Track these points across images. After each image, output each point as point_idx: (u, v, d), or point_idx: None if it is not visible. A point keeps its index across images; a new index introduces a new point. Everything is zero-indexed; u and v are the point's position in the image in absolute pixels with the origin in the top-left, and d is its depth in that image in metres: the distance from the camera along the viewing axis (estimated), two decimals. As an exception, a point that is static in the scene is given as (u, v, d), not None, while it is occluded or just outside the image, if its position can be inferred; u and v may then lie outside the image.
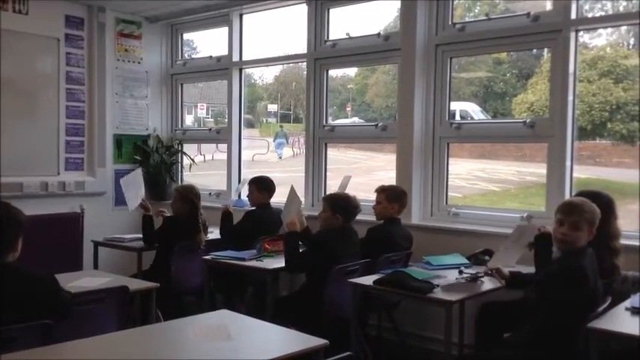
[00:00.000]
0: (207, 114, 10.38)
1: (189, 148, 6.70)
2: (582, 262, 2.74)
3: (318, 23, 5.38)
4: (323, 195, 5.08)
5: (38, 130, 5.65)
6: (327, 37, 5.37)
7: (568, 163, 4.10)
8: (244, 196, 5.35)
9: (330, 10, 5.37)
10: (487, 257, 3.87)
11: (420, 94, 4.66)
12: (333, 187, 5.13)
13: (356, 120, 7.58)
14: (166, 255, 4.50)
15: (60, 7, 5.73)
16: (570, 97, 4.09)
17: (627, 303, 2.86)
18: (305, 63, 5.51)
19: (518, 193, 5.75)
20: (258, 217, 4.81)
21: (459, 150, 5.06)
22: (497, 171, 6.10)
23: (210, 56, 6.35)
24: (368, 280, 3.49)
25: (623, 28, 4.49)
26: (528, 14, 4.23)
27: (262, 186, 4.90)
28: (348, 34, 5.22)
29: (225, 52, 6.17)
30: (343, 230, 3.97)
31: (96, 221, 5.83)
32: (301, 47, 5.56)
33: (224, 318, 2.71)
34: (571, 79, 4.09)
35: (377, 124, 5.08)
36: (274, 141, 10.87)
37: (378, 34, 5.03)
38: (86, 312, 2.91)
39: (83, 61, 5.94)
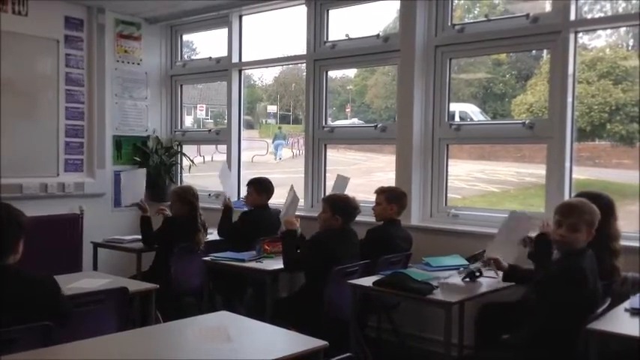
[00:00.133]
0: (207, 115, 10.37)
1: (188, 150, 6.70)
2: (582, 263, 2.74)
3: (317, 24, 5.38)
4: (322, 196, 5.09)
5: (38, 132, 5.64)
6: (327, 39, 5.37)
7: (567, 164, 4.11)
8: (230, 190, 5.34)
9: (330, 12, 5.38)
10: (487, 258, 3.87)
11: (419, 95, 4.67)
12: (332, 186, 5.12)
13: (355, 121, 7.58)
14: (166, 256, 4.50)
15: (59, 8, 5.73)
16: (569, 99, 4.10)
17: (627, 304, 2.86)
18: (304, 64, 5.51)
19: (518, 194, 5.75)
20: (254, 219, 4.81)
21: (459, 151, 5.06)
22: (497, 172, 6.10)
23: (210, 57, 6.35)
24: (367, 281, 3.50)
25: (623, 30, 4.50)
26: (527, 15, 4.23)
27: (261, 188, 4.90)
28: (347, 35, 5.23)
29: (224, 53, 6.18)
30: (343, 231, 3.97)
31: (95, 222, 5.83)
32: (301, 48, 5.56)
33: (224, 319, 2.71)
34: (570, 80, 4.09)
35: (376, 126, 5.08)
36: (273, 142, 10.87)
37: (378, 36, 5.03)
38: (86, 313, 2.91)
39: (83, 63, 5.94)
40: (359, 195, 4.37)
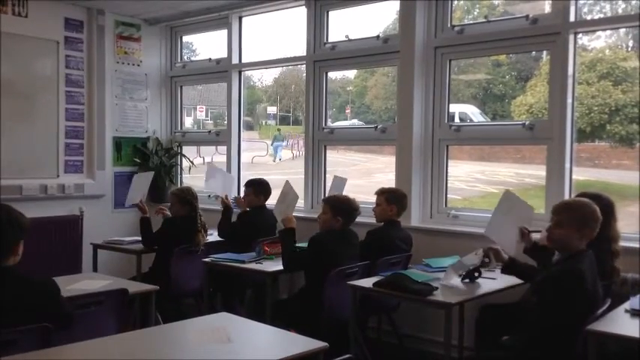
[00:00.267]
0: (207, 116, 10.37)
1: (188, 151, 6.70)
2: (580, 265, 2.74)
3: (317, 26, 5.38)
4: (322, 197, 5.09)
5: (38, 133, 5.65)
6: (327, 40, 5.38)
7: (567, 165, 4.11)
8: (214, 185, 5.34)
9: (330, 13, 5.38)
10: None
11: (419, 96, 4.67)
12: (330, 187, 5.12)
13: (355, 122, 7.58)
14: (166, 257, 4.51)
15: (59, 9, 5.74)
16: (569, 100, 4.10)
17: (627, 305, 2.86)
18: (304, 65, 5.51)
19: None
20: (253, 219, 4.82)
21: (459, 152, 5.06)
22: (497, 173, 6.10)
23: (210, 59, 6.36)
24: (367, 282, 3.49)
25: (622, 30, 4.50)
26: (527, 17, 4.24)
27: (260, 189, 4.92)
28: (347, 36, 5.23)
29: (224, 54, 6.18)
30: (343, 232, 3.97)
31: (95, 224, 5.83)
32: (300, 49, 5.57)
33: (224, 321, 2.71)
34: (570, 81, 4.09)
35: (376, 127, 5.08)
36: (272, 144, 10.87)
37: (378, 37, 5.03)
38: (85, 315, 2.91)
39: (83, 64, 5.94)
40: (359, 196, 4.37)
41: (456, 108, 5.11)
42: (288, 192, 4.16)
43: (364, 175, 7.94)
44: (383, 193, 4.25)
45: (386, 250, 4.00)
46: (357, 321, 3.55)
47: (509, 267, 3.27)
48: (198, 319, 2.83)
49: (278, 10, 5.74)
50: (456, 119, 5.04)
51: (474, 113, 5.57)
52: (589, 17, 4.22)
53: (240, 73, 6.17)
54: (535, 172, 4.58)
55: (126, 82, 6.29)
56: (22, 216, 2.51)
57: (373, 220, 4.31)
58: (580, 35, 4.15)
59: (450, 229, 4.48)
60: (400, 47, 4.73)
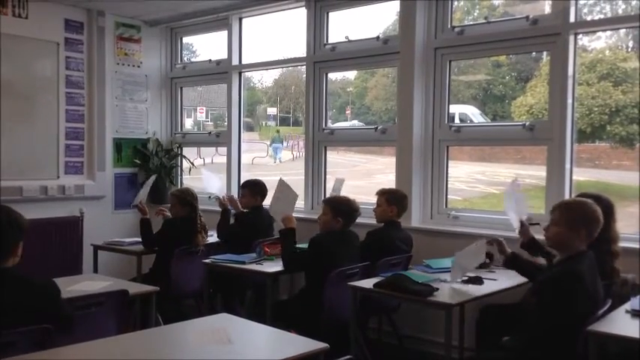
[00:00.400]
0: (207, 117, 10.39)
1: (188, 152, 6.70)
2: (580, 266, 2.73)
3: (317, 27, 5.38)
4: (322, 198, 5.09)
5: (38, 134, 5.65)
6: (327, 41, 5.38)
7: (567, 166, 4.11)
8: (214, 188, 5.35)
9: (330, 14, 5.38)
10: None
11: (419, 97, 4.67)
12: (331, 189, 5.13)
13: (355, 123, 7.59)
14: (166, 258, 4.51)
15: (59, 11, 5.74)
16: (569, 100, 4.10)
17: (627, 306, 2.86)
18: (304, 66, 5.51)
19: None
20: (251, 220, 4.83)
21: (459, 153, 5.06)
22: (497, 174, 6.10)
23: (210, 60, 6.36)
24: (368, 283, 3.49)
25: (622, 31, 4.50)
26: (527, 17, 4.24)
27: (256, 189, 4.92)
28: (347, 37, 5.23)
29: (224, 55, 6.18)
30: (343, 233, 3.97)
31: (95, 225, 5.83)
32: (300, 51, 5.57)
33: (224, 322, 2.71)
34: (570, 81, 4.09)
35: (376, 127, 5.08)
36: (270, 146, 10.89)
37: (378, 38, 5.03)
38: (86, 316, 2.91)
39: (83, 65, 5.94)
40: (359, 197, 4.36)
41: (456, 109, 5.11)
42: (284, 190, 4.13)
43: (364, 176, 7.95)
44: (383, 194, 4.25)
45: (386, 250, 3.99)
46: (357, 322, 3.55)
47: (512, 261, 3.26)
48: (199, 320, 2.83)
49: (278, 11, 5.75)
50: (456, 120, 5.05)
51: (474, 114, 5.58)
52: (589, 18, 4.22)
53: (240, 74, 6.17)
54: (535, 173, 4.58)
55: (126, 83, 6.29)
56: (21, 217, 2.50)
57: (373, 221, 4.30)
58: (580, 36, 4.15)
59: (450, 229, 4.48)
60: (400, 48, 4.73)
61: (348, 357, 2.08)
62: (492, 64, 5.33)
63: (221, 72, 6.22)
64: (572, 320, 2.63)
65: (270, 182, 5.05)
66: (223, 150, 6.29)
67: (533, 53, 4.95)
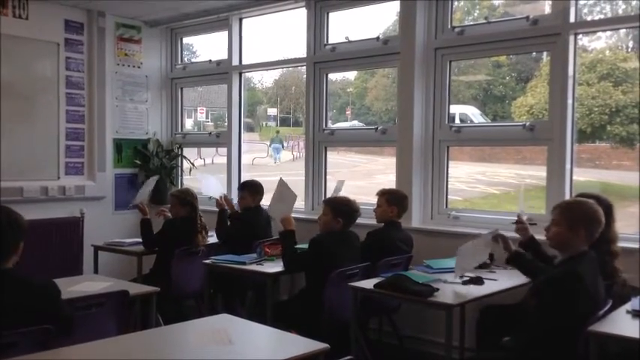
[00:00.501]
0: (207, 118, 10.39)
1: (189, 152, 6.70)
2: (580, 266, 2.73)
3: (317, 27, 5.39)
4: (323, 198, 5.09)
5: (38, 135, 5.65)
6: (327, 41, 5.38)
7: (568, 166, 4.11)
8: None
9: (330, 14, 5.38)
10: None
11: (419, 97, 4.67)
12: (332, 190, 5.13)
13: (356, 123, 7.59)
14: (166, 259, 4.51)
15: (60, 11, 5.74)
16: (570, 100, 4.10)
17: (628, 306, 2.86)
18: (304, 67, 5.52)
19: (518, 195, 5.75)
20: (250, 220, 4.85)
21: (459, 153, 5.06)
22: (497, 174, 6.11)
23: (210, 60, 6.36)
24: (368, 283, 3.49)
25: (622, 31, 4.51)
26: (527, 18, 4.24)
27: (255, 190, 4.95)
28: (347, 37, 5.23)
29: (224, 56, 6.18)
30: (343, 234, 3.97)
31: (96, 225, 5.83)
32: (301, 51, 5.57)
33: (225, 322, 2.71)
34: (570, 82, 4.09)
35: (377, 128, 5.08)
36: (270, 146, 10.90)
37: (378, 38, 5.04)
38: (86, 316, 2.91)
39: (83, 66, 5.95)
40: (359, 197, 4.36)
41: (456, 109, 5.11)
42: (284, 190, 4.14)
43: (365, 177, 7.95)
44: (384, 194, 4.25)
45: (387, 251, 3.99)
46: (357, 322, 3.55)
47: (515, 259, 3.25)
48: (199, 320, 2.83)
49: (278, 11, 5.75)
50: (457, 120, 5.05)
51: (474, 114, 5.58)
52: (589, 18, 4.22)
53: (240, 74, 6.17)
54: (536, 173, 4.59)
55: (126, 83, 6.30)
56: (21, 217, 2.51)
57: (374, 221, 4.30)
58: (580, 36, 4.15)
59: (450, 230, 4.48)
60: (400, 48, 4.73)
61: (348, 357, 2.08)
62: (492, 64, 5.33)
63: (221, 72, 6.22)
64: (572, 321, 2.63)
65: (271, 183, 5.06)
66: (223, 150, 6.30)
67: (534, 53, 4.95)
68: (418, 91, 4.66)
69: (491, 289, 3.42)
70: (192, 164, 6.57)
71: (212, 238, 4.94)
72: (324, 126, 5.43)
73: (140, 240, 4.79)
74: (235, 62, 6.11)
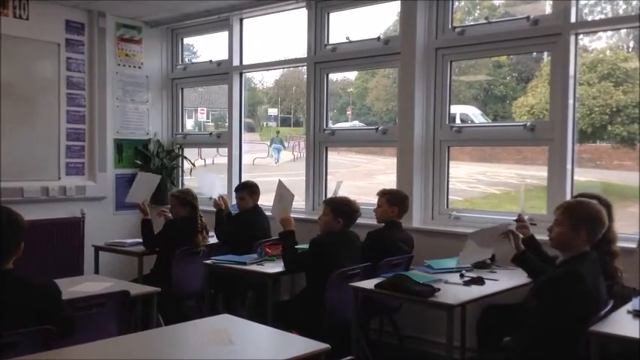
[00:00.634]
0: (208, 118, 10.39)
1: (189, 153, 6.71)
2: (581, 267, 2.72)
3: (318, 27, 5.39)
4: (323, 199, 5.08)
5: (39, 135, 5.65)
6: (327, 41, 5.38)
7: (569, 166, 4.10)
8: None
9: (330, 15, 5.38)
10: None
11: (420, 97, 4.67)
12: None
13: (356, 124, 7.59)
14: (167, 259, 4.51)
15: (60, 12, 5.74)
16: (570, 100, 4.09)
17: (629, 306, 2.86)
18: (305, 67, 5.52)
19: (519, 195, 5.75)
20: (251, 220, 4.86)
21: (460, 153, 5.06)
22: (498, 174, 6.10)
23: (211, 61, 6.36)
24: (369, 283, 3.49)
25: (623, 31, 4.50)
26: (528, 18, 4.24)
27: (253, 190, 4.98)
28: (348, 38, 5.23)
29: (225, 56, 6.18)
30: (343, 234, 3.97)
31: (97, 226, 5.84)
32: (301, 51, 5.57)
33: (225, 322, 2.71)
34: (571, 82, 4.09)
35: (377, 128, 5.08)
36: (271, 147, 10.91)
37: (378, 38, 5.03)
38: (87, 317, 2.91)
39: (84, 66, 5.95)
40: (360, 197, 4.36)
41: (457, 109, 5.11)
42: (283, 192, 4.17)
43: (365, 177, 7.95)
44: (384, 194, 4.25)
45: (387, 251, 3.99)
46: (358, 322, 3.55)
47: (520, 258, 3.23)
48: (200, 320, 2.82)
49: (279, 11, 5.75)
50: (457, 120, 5.05)
51: (475, 114, 5.57)
52: (590, 18, 4.21)
53: (241, 74, 6.17)
54: (536, 173, 4.58)
55: (127, 84, 6.30)
56: (21, 217, 2.51)
57: (374, 222, 4.30)
58: (581, 36, 4.15)
59: (451, 230, 4.48)
60: (401, 48, 4.73)
61: (349, 358, 2.08)
62: (493, 64, 5.33)
63: (222, 73, 6.22)
64: (573, 321, 2.63)
65: (272, 183, 5.06)
66: (224, 151, 6.30)
67: (534, 53, 4.95)
68: (419, 91, 4.66)
69: (492, 290, 3.42)
70: (193, 164, 6.57)
71: (213, 239, 4.94)
72: (324, 126, 5.43)
73: (141, 240, 4.79)
74: (236, 62, 6.11)
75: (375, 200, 4.31)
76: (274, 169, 10.33)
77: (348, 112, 8.59)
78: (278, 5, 5.56)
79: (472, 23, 4.72)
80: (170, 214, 4.80)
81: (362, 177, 8.00)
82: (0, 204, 2.62)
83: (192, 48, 7.11)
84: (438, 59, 4.67)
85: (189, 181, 6.63)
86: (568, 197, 4.03)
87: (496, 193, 6.05)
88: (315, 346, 2.36)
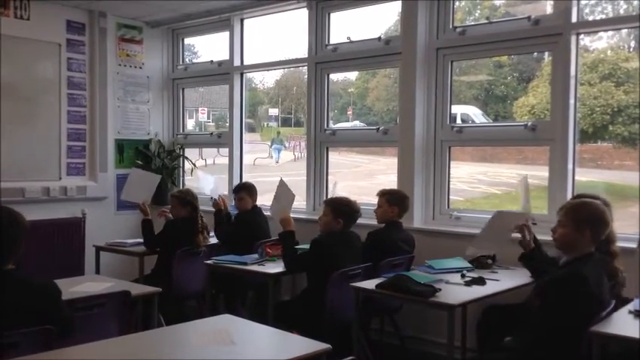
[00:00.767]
0: (209, 118, 10.39)
1: (190, 153, 6.71)
2: (584, 268, 2.72)
3: (318, 27, 5.39)
4: (324, 199, 5.08)
5: (40, 135, 5.65)
6: (328, 42, 5.38)
7: (570, 166, 4.10)
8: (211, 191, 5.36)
9: (331, 15, 5.38)
10: (490, 261, 3.87)
11: (421, 97, 4.67)
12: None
13: (357, 124, 7.58)
14: (168, 259, 4.51)
15: (61, 12, 5.75)
16: (571, 100, 4.09)
17: (630, 306, 2.86)
18: (306, 67, 5.52)
19: (520, 195, 5.74)
20: (250, 220, 4.87)
21: (461, 153, 5.06)
22: (499, 174, 6.09)
23: (212, 61, 6.36)
24: (370, 284, 3.49)
25: (624, 31, 4.49)
26: (529, 18, 4.24)
27: (252, 191, 5.00)
28: (348, 38, 5.23)
29: (226, 56, 6.18)
30: (344, 234, 3.96)
31: (97, 226, 5.84)
32: (302, 51, 5.57)
33: (226, 322, 2.71)
34: (572, 82, 4.09)
35: (378, 128, 5.08)
36: (271, 147, 10.91)
37: (379, 38, 5.03)
38: (88, 317, 2.91)
39: (84, 66, 5.95)
40: (361, 197, 4.36)
41: (457, 109, 5.10)
42: (283, 191, 4.17)
43: (366, 177, 7.94)
44: (384, 195, 4.25)
45: (388, 251, 3.99)
46: (359, 322, 3.55)
47: (527, 257, 3.22)
48: (201, 320, 2.82)
49: (279, 12, 5.75)
50: (458, 120, 5.04)
51: (475, 114, 5.57)
52: (591, 18, 4.21)
53: (241, 75, 6.18)
54: (538, 173, 4.58)
55: (128, 84, 6.30)
56: (22, 218, 2.51)
57: (374, 222, 4.30)
58: (582, 36, 4.15)
59: (452, 230, 4.48)
60: (402, 49, 4.72)
61: (350, 358, 2.08)
62: (494, 64, 5.32)
63: (223, 73, 6.22)
64: (575, 322, 2.62)
65: (273, 183, 5.06)
66: (225, 151, 6.30)
67: (535, 53, 4.95)
68: (420, 91, 4.65)
69: (493, 290, 3.42)
70: (194, 165, 6.57)
71: (213, 239, 4.94)
72: (325, 126, 5.43)
73: (142, 240, 4.79)
74: (237, 63, 6.11)
75: (375, 200, 4.31)
76: (275, 169, 10.33)
77: (348, 112, 8.59)
78: (279, 5, 5.56)
79: (473, 23, 4.72)
80: (170, 215, 4.80)
81: (363, 177, 8.00)
82: (1, 204, 2.61)
83: (193, 48, 7.12)
84: (438, 59, 4.67)
85: (190, 182, 6.63)
86: (569, 197, 4.03)
87: (497, 194, 6.04)
88: (315, 347, 2.36)
